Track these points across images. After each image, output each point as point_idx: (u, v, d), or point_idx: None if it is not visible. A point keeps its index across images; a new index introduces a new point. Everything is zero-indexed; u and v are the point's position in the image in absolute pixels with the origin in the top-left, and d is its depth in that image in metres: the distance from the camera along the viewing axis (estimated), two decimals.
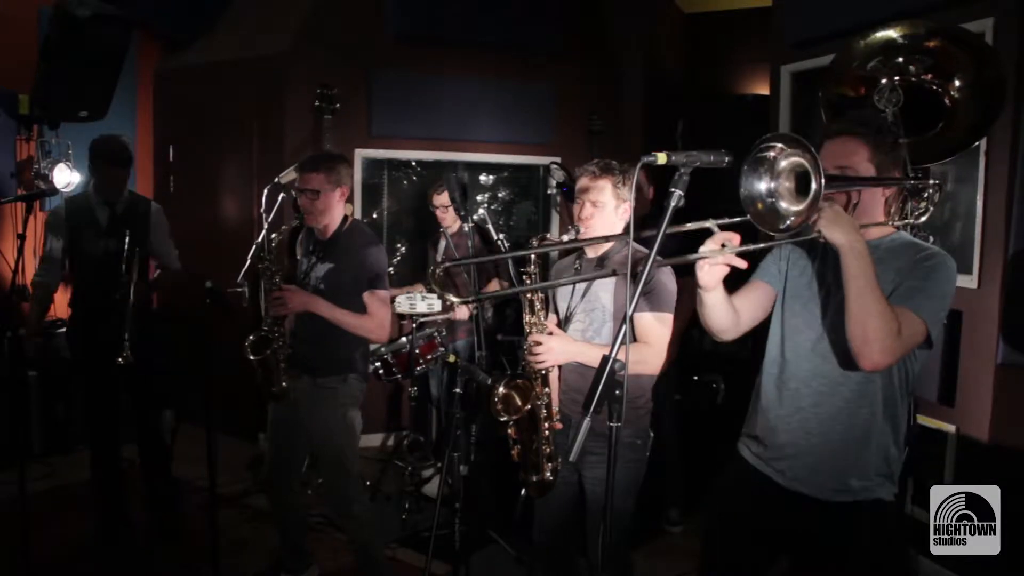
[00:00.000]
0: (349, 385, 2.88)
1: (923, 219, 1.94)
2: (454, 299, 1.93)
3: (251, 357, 2.85)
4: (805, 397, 1.88)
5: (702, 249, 1.71)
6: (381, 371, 4.10)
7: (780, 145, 1.58)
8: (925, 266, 1.76)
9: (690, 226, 1.74)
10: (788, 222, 1.58)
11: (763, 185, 1.60)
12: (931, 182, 1.94)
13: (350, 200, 4.80)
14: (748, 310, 1.96)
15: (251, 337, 2.86)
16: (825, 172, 1.49)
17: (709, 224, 1.70)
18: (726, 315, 1.90)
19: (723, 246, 1.69)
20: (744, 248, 1.70)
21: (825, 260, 1.87)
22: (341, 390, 2.86)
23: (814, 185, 1.49)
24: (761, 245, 1.76)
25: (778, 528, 1.96)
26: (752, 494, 2.00)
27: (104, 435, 3.54)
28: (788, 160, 1.57)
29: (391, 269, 3.87)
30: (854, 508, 1.84)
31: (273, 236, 2.91)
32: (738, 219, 1.69)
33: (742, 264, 1.72)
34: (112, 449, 3.55)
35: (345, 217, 2.95)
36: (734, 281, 1.96)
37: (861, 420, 1.83)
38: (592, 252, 2.49)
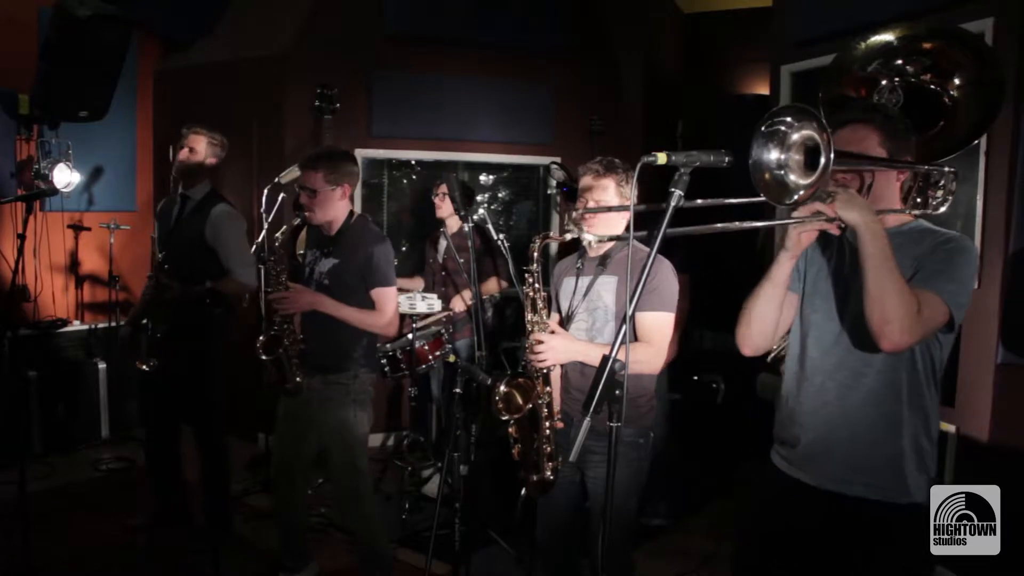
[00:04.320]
0: (360, 381, 2.87)
1: (942, 209, 1.91)
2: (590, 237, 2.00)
3: (263, 357, 2.84)
4: (830, 391, 1.86)
5: (795, 214, 1.70)
6: (387, 367, 4.10)
7: (790, 118, 1.57)
8: (945, 249, 1.74)
9: (739, 200, 1.74)
10: (796, 196, 1.57)
11: (773, 155, 1.59)
12: (946, 170, 1.92)
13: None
14: (782, 322, 1.95)
15: (262, 337, 2.86)
16: (835, 148, 1.48)
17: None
18: (775, 312, 1.88)
19: (818, 213, 1.67)
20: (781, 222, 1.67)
21: (842, 254, 1.86)
22: (352, 387, 2.85)
23: (823, 159, 1.47)
24: (794, 220, 1.73)
25: (812, 531, 1.92)
26: (785, 500, 1.97)
27: (159, 425, 3.58)
28: (799, 133, 1.56)
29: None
30: (891, 509, 1.81)
31: (277, 235, 2.90)
32: (754, 199, 1.68)
33: (835, 230, 1.72)
34: (166, 439, 3.57)
35: (351, 213, 2.94)
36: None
37: (887, 410, 1.80)
38: (594, 251, 2.49)
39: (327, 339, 2.85)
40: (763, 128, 1.59)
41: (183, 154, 3.42)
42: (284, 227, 3.05)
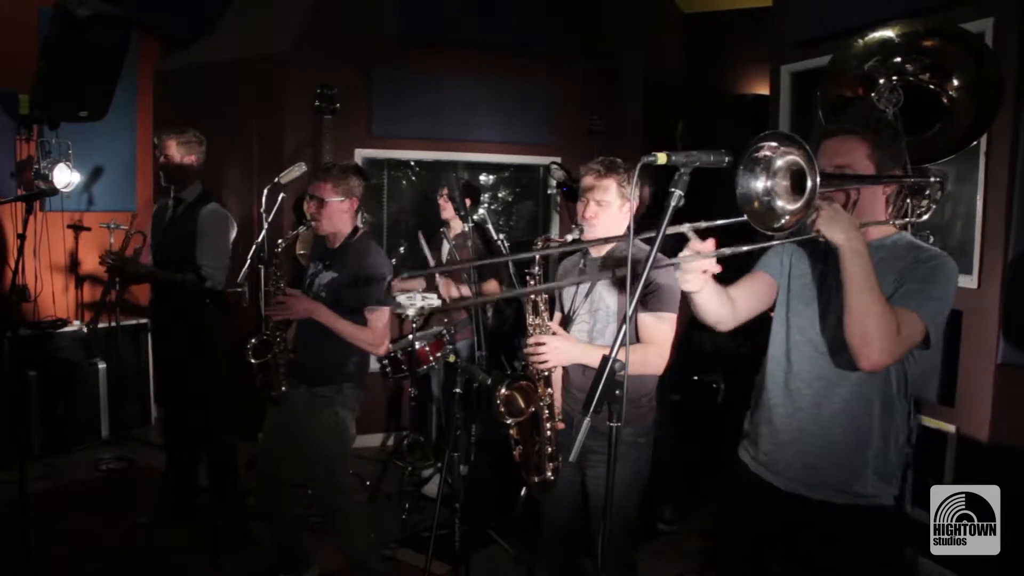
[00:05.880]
0: (344, 394, 2.87)
1: (925, 217, 1.92)
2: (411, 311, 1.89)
3: (252, 360, 2.84)
4: (806, 397, 1.88)
5: (680, 255, 1.70)
6: (388, 368, 4.11)
7: (774, 143, 1.57)
8: (926, 267, 1.76)
9: (670, 231, 1.73)
10: (783, 220, 1.57)
11: (759, 184, 1.59)
12: (932, 179, 1.92)
13: None
14: (746, 300, 1.96)
15: (253, 340, 2.86)
16: (821, 170, 1.48)
17: (684, 229, 1.68)
18: (719, 308, 1.89)
19: (698, 253, 1.68)
20: (732, 251, 1.69)
21: (828, 261, 1.86)
22: (336, 399, 2.86)
23: (810, 183, 1.48)
24: (745, 248, 1.74)
25: (780, 532, 1.95)
26: (753, 499, 2.00)
27: (175, 419, 3.62)
28: (784, 159, 1.57)
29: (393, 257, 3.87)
30: (856, 511, 1.84)
31: (279, 242, 2.91)
32: (734, 220, 1.68)
33: (717, 269, 1.71)
34: (184, 435, 3.60)
35: (356, 228, 2.95)
36: (738, 271, 1.96)
37: (859, 422, 1.83)
38: (596, 252, 2.48)
39: (318, 349, 2.86)
40: (746, 157, 1.59)
41: (161, 161, 3.49)
42: (288, 234, 3.07)
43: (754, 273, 2.02)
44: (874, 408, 1.82)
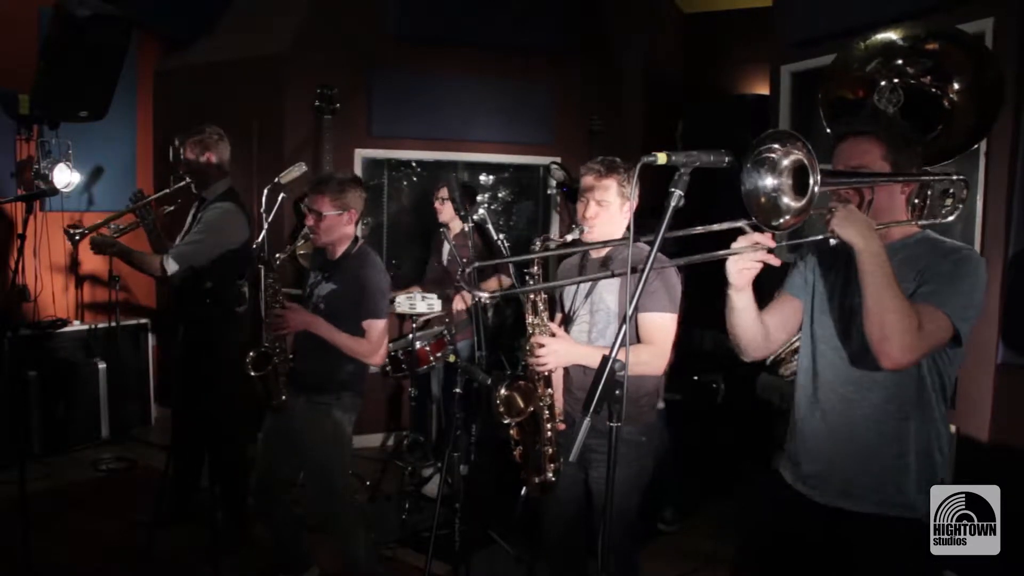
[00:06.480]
0: (343, 403, 2.88)
1: (951, 218, 1.89)
2: (485, 294, 1.92)
3: (252, 373, 2.86)
4: (836, 406, 1.85)
5: (734, 245, 1.70)
6: (389, 368, 4.11)
7: (778, 145, 1.57)
8: (951, 261, 1.72)
9: (721, 226, 1.73)
10: (784, 219, 1.57)
11: (767, 181, 1.59)
12: (955, 178, 1.90)
13: None
14: (778, 326, 1.94)
15: (252, 353, 2.88)
16: (822, 168, 1.48)
17: (742, 224, 1.69)
18: (755, 326, 1.87)
19: (756, 244, 1.68)
20: (778, 244, 1.68)
21: (850, 267, 1.83)
22: (335, 407, 2.87)
23: (811, 181, 1.48)
24: (793, 242, 1.75)
25: (815, 546, 1.91)
26: (788, 515, 1.97)
27: (183, 418, 3.64)
28: (789, 158, 1.57)
29: (391, 271, 3.88)
30: (897, 524, 1.79)
31: (278, 255, 2.91)
32: (736, 223, 1.69)
33: (776, 262, 1.70)
34: (190, 434, 3.60)
35: (356, 239, 2.96)
36: (761, 295, 1.96)
37: (892, 425, 1.79)
38: (596, 252, 2.48)
39: (317, 360, 2.87)
40: (754, 156, 1.59)
41: (182, 165, 3.49)
42: (288, 247, 3.08)
43: (779, 297, 2.01)
44: (909, 410, 1.78)
